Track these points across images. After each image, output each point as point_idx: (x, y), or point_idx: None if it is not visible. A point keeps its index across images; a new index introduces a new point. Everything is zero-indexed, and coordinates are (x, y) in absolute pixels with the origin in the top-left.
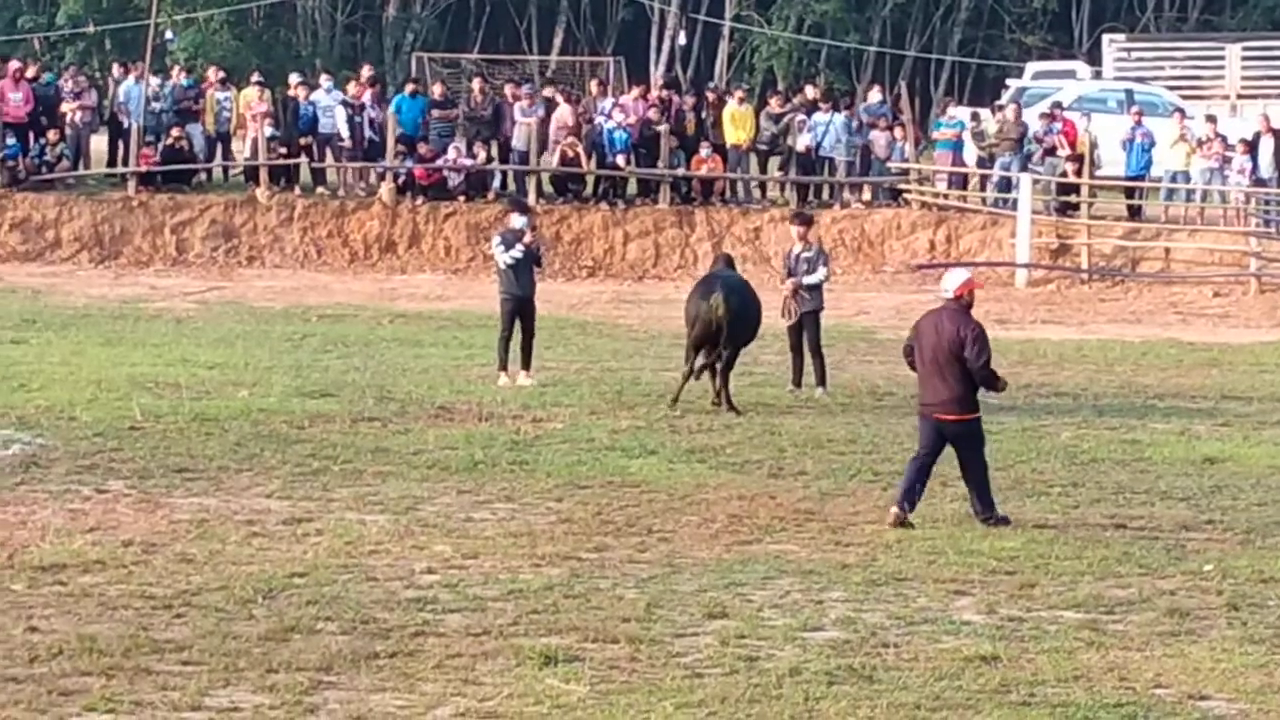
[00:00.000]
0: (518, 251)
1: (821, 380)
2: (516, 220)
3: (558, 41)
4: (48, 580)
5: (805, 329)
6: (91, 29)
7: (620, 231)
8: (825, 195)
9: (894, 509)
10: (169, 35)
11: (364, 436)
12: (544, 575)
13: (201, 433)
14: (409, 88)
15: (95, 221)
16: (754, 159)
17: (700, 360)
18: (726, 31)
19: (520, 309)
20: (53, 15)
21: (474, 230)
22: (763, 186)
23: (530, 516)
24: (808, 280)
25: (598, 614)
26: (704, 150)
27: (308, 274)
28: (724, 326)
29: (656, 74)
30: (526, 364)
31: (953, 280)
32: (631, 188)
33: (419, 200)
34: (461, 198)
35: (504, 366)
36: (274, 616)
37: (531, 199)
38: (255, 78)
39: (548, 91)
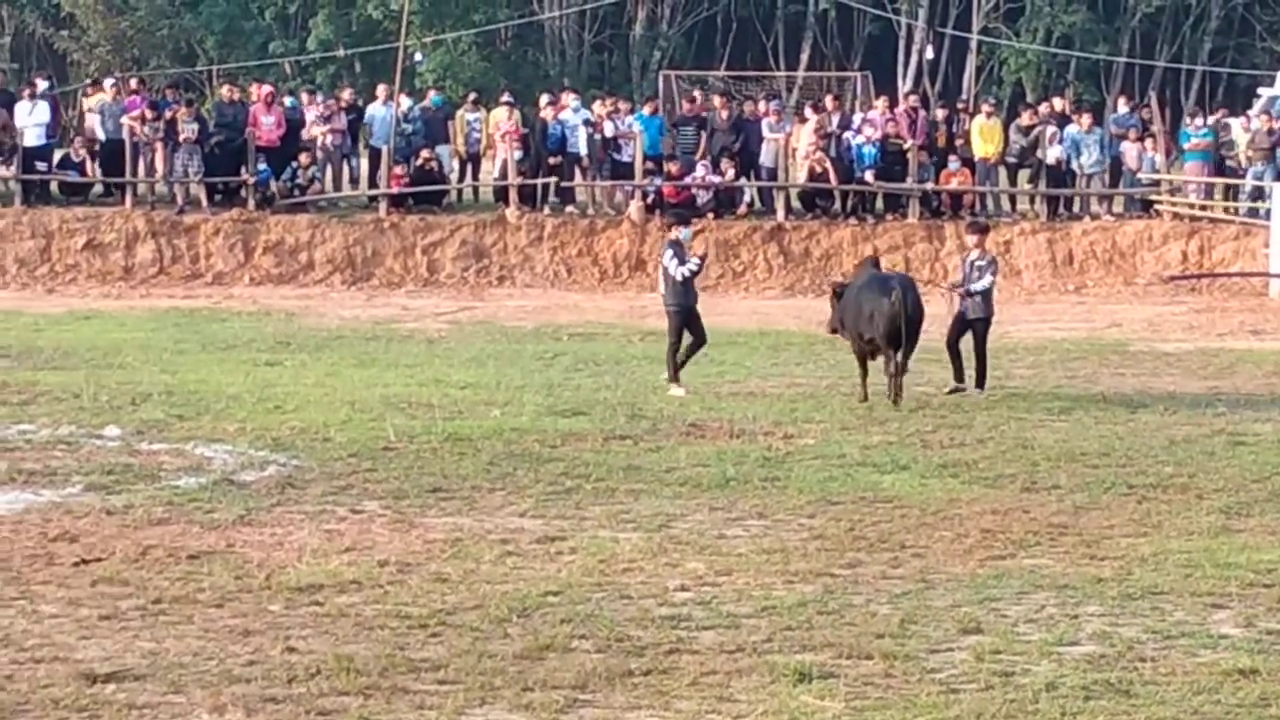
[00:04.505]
0: (694, 264)
1: (980, 383)
2: (682, 233)
3: (805, 57)
4: (305, 601)
5: (974, 334)
6: (341, 52)
7: (869, 247)
8: (1075, 207)
9: None
10: (418, 57)
11: (616, 454)
12: (797, 592)
13: (455, 452)
14: (648, 107)
15: (347, 243)
16: (1003, 172)
17: (891, 363)
18: (974, 44)
19: (689, 320)
20: (303, 40)
21: (723, 247)
22: (1012, 200)
23: (783, 533)
24: (974, 287)
25: (852, 630)
26: (953, 164)
27: (558, 293)
28: (905, 322)
29: (904, 88)
30: (676, 375)
31: None
32: (880, 203)
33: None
34: (710, 215)
35: (676, 378)
36: (529, 635)
37: (780, 215)
38: (504, 98)
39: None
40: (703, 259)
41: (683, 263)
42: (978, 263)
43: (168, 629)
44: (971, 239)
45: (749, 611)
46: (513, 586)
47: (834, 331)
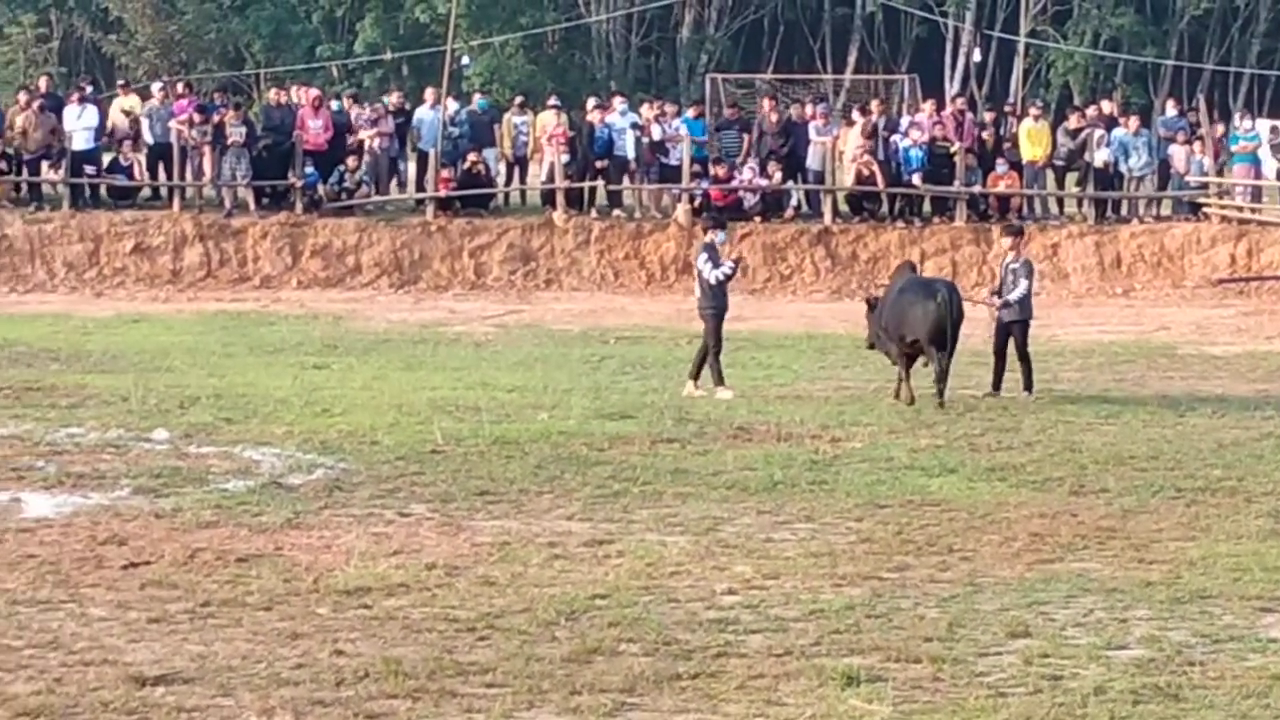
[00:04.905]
0: (728, 268)
1: (1028, 386)
2: (717, 236)
3: (852, 60)
4: (353, 604)
5: (1014, 336)
6: (389, 56)
7: (917, 250)
8: (1123, 210)
9: None
10: (465, 60)
11: (663, 458)
12: (845, 595)
13: (502, 456)
14: (692, 110)
15: (395, 247)
16: (1051, 175)
17: (937, 365)
18: (1021, 47)
19: (722, 322)
20: (350, 43)
21: (770, 250)
22: (1060, 203)
23: (830, 536)
24: (1010, 296)
25: (900, 634)
26: (1000, 167)
27: (605, 296)
28: (950, 325)
29: (951, 91)
30: (698, 375)
31: None
32: (927, 206)
33: None
34: (757, 218)
35: (722, 380)
36: (577, 638)
37: (827, 218)
38: (551, 101)
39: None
40: (737, 262)
41: (717, 266)
42: (1012, 265)
43: (216, 632)
44: (1006, 241)
45: (797, 615)
46: (560, 590)
47: (872, 346)
